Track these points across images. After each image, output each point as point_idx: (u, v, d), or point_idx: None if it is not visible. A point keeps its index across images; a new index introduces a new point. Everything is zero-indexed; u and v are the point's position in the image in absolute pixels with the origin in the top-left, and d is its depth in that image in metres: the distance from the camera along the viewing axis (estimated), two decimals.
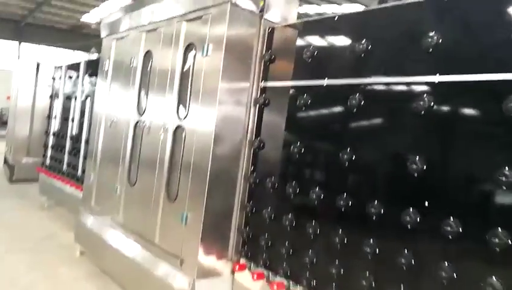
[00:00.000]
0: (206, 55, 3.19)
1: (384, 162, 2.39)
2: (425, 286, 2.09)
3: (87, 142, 5.47)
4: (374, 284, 2.28)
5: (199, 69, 3.29)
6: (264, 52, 3.20)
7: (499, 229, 1.81)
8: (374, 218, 2.28)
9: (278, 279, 2.87)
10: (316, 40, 2.87)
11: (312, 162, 2.82)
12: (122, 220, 4.09)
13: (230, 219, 3.22)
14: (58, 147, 6.66)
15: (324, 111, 2.78)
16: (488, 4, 2.02)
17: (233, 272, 3.20)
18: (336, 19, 2.73)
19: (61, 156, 6.46)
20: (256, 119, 3.21)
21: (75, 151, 6.07)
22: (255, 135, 3.20)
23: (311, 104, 2.78)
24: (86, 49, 18.74)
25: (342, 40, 2.74)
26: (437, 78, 2.11)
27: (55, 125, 6.96)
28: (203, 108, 3.19)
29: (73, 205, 5.60)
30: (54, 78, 7.35)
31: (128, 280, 3.87)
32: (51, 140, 7.00)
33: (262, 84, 3.20)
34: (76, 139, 6.08)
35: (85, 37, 22.20)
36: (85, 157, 5.42)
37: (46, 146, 7.15)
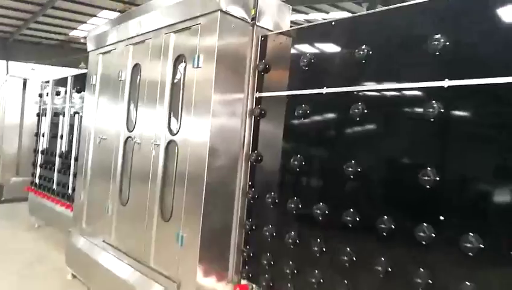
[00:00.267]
0: (197, 66, 3.05)
1: (393, 173, 2.26)
2: None
3: (76, 159, 5.31)
4: None
5: (190, 81, 3.14)
6: (257, 61, 3.07)
7: None
8: (384, 234, 2.13)
9: None
10: (313, 47, 2.74)
11: (314, 175, 2.67)
12: (115, 241, 3.90)
13: (229, 238, 3.06)
14: (48, 165, 6.48)
15: (326, 121, 2.64)
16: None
17: None
18: (333, 24, 2.60)
19: (51, 174, 6.30)
20: (252, 131, 3.08)
21: (64, 169, 5.91)
22: (252, 147, 3.06)
23: (310, 114, 2.65)
24: (76, 65, 18.55)
25: (341, 46, 2.60)
26: (446, 83, 1.98)
27: (43, 143, 6.79)
28: (196, 121, 3.04)
29: (64, 225, 5.41)
30: (41, 95, 7.18)
31: None
32: (39, 158, 6.84)
33: (257, 94, 3.06)
34: (65, 156, 5.92)
35: (75, 52, 21.95)
36: (75, 175, 5.26)
37: (35, 164, 6.97)
